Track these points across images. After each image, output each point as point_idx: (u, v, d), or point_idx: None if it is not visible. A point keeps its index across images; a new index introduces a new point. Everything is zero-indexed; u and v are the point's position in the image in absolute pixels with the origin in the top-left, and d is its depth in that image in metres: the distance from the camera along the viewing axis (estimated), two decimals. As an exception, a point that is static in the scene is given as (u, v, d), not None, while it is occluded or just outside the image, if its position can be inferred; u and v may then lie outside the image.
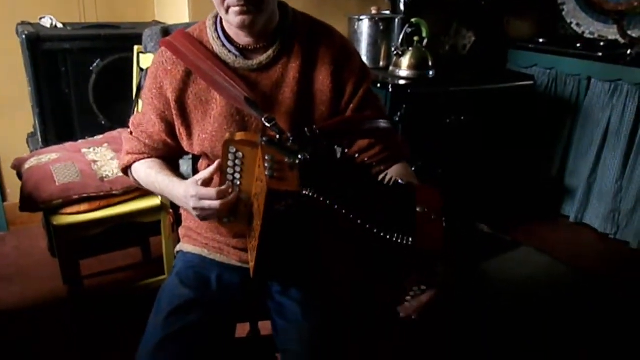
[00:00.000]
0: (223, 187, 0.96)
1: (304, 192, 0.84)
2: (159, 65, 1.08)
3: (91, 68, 2.17)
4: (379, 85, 2.24)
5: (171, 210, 1.39)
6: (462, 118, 2.39)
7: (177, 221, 1.34)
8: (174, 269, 1.19)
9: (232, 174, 0.97)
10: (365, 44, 2.46)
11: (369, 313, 1.19)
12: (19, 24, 2.18)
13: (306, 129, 0.96)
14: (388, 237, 0.85)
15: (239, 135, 0.95)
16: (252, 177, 0.95)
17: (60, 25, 2.22)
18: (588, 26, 3.04)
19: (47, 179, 1.72)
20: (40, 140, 2.16)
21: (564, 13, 3.12)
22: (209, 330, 1.05)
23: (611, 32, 2.91)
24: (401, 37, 2.33)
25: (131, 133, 1.16)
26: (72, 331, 1.88)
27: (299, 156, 0.87)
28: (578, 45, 2.85)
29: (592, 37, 3.02)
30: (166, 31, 1.69)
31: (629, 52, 2.64)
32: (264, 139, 0.90)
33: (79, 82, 2.16)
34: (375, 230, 0.85)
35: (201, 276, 1.14)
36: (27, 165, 1.83)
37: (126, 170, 1.20)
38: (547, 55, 2.87)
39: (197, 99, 1.07)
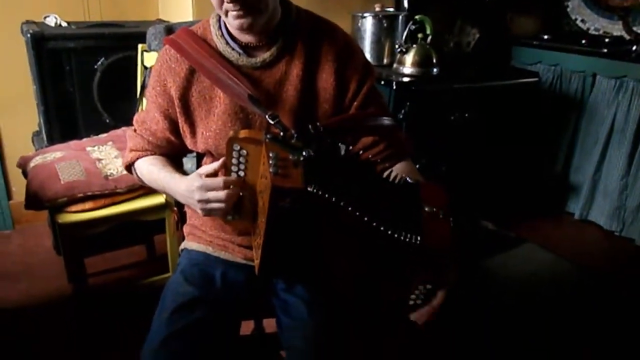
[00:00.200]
0: (230, 177, 0.96)
1: (309, 188, 0.83)
2: (163, 63, 1.07)
3: (95, 66, 2.17)
4: (382, 82, 2.23)
5: (175, 208, 1.39)
6: (467, 115, 2.38)
7: (182, 219, 1.34)
8: (179, 266, 1.19)
9: (237, 172, 0.96)
10: (368, 41, 2.46)
11: (374, 311, 1.19)
12: (24, 23, 2.18)
13: (310, 126, 0.96)
14: (395, 235, 0.84)
15: (243, 133, 0.95)
16: (257, 175, 0.95)
17: (64, 24, 2.22)
18: (593, 22, 3.03)
19: (52, 177, 1.72)
20: (45, 138, 2.16)
21: (568, 9, 3.11)
22: (213, 328, 1.05)
23: (616, 29, 2.90)
24: (405, 34, 2.32)
25: (135, 130, 1.17)
26: (77, 328, 1.88)
27: (303, 153, 0.86)
28: (583, 41, 2.84)
29: (597, 33, 3.00)
30: (170, 29, 1.69)
31: (634, 48, 2.63)
32: (268, 136, 0.90)
33: (84, 80, 2.16)
34: (382, 228, 0.84)
35: (206, 274, 1.14)
36: (32, 164, 1.84)
37: (129, 167, 1.20)
38: (552, 52, 2.86)
39: (200, 97, 1.07)
